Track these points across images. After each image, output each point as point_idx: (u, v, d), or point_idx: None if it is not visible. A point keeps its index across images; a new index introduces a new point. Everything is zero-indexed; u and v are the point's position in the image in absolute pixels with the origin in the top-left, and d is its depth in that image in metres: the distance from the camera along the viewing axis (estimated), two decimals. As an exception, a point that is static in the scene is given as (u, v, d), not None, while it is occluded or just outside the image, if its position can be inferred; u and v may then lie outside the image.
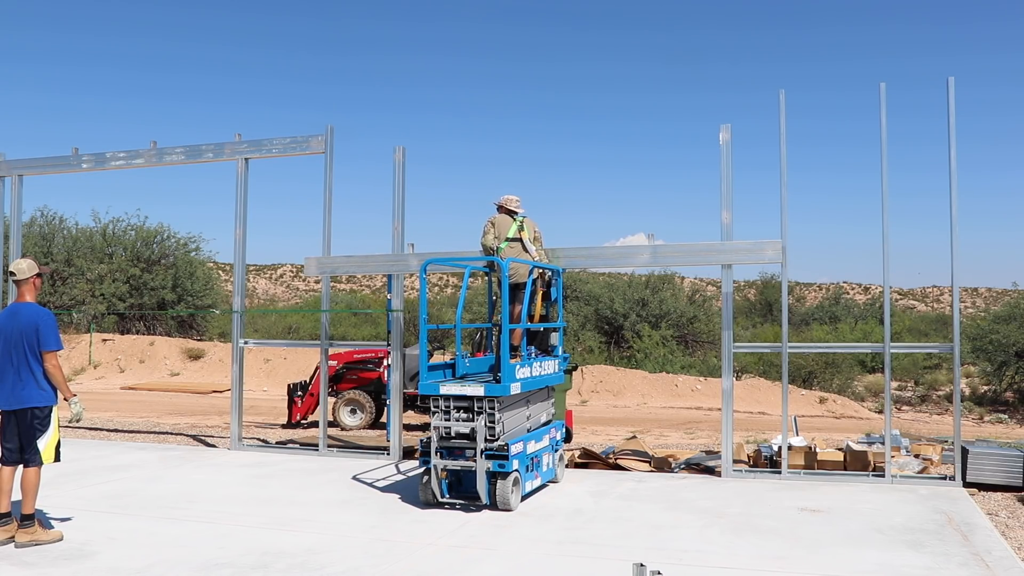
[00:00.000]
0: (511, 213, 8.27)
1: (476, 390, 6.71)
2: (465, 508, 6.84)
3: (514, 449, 6.79)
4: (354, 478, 8.21)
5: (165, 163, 10.73)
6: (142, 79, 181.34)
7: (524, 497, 7.17)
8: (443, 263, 8.37)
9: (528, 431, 7.41)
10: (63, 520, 6.28)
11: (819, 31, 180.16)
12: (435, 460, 6.81)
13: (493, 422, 6.70)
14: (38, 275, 5.89)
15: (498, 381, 6.81)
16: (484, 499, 6.72)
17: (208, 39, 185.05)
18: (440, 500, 6.86)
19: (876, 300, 48.99)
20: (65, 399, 5.74)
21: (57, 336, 5.72)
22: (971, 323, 31.77)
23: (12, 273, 5.84)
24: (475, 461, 6.68)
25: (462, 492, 6.93)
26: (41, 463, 5.67)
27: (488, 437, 6.69)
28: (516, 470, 6.84)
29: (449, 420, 6.80)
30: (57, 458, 5.77)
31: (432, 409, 6.92)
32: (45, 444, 5.67)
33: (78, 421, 5.82)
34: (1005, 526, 6.49)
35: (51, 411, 5.72)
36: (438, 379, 7.10)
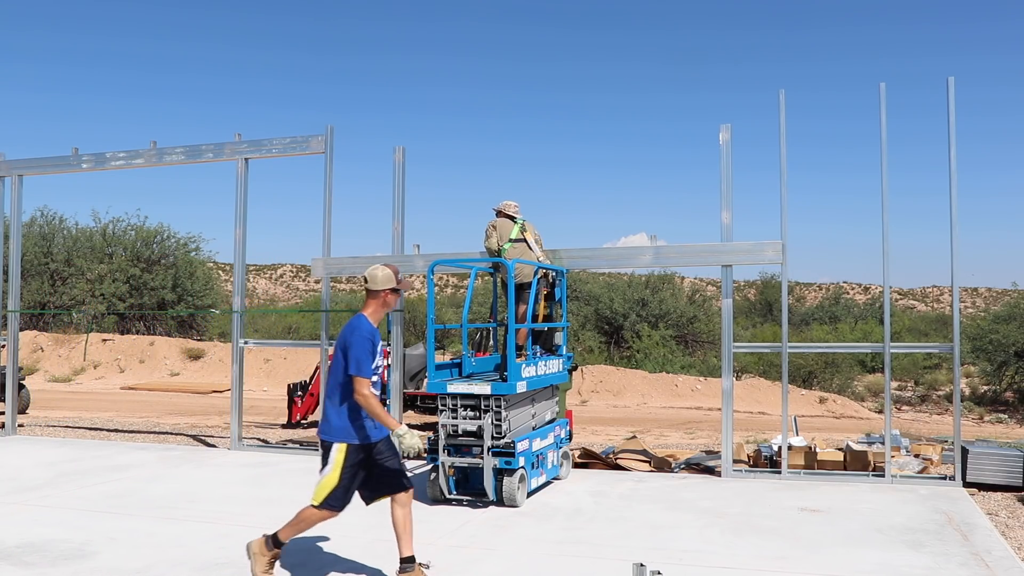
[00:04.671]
0: (510, 218, 8.33)
1: (483, 388, 6.77)
2: (472, 504, 6.86)
3: (520, 447, 6.85)
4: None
5: (165, 163, 10.73)
6: (142, 79, 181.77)
7: (530, 493, 7.21)
8: (450, 264, 8.40)
9: (533, 429, 7.45)
10: (63, 520, 6.28)
11: (819, 31, 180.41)
12: (443, 457, 6.88)
13: (500, 420, 6.75)
14: (392, 290, 4.82)
15: (504, 380, 6.86)
16: (491, 495, 6.77)
17: (208, 39, 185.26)
18: (447, 496, 6.92)
19: (876, 300, 49.02)
20: (391, 431, 4.69)
21: (365, 361, 4.57)
22: (971, 323, 31.80)
23: (365, 279, 4.83)
24: (482, 458, 6.75)
25: (469, 489, 6.99)
26: (313, 504, 4.66)
27: (495, 435, 6.75)
28: (522, 467, 6.90)
29: (456, 418, 6.87)
30: (329, 505, 4.64)
31: (439, 407, 6.97)
32: (317, 482, 4.67)
33: (411, 456, 4.66)
34: (1005, 526, 6.49)
35: (331, 448, 4.63)
36: (445, 378, 7.14)
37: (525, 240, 8.24)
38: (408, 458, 4.52)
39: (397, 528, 4.80)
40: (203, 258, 36.37)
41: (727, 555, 5.44)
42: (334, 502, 4.64)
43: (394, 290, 4.82)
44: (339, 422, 4.64)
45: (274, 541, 4.68)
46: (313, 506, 4.64)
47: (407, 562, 4.75)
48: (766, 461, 8.77)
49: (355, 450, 4.63)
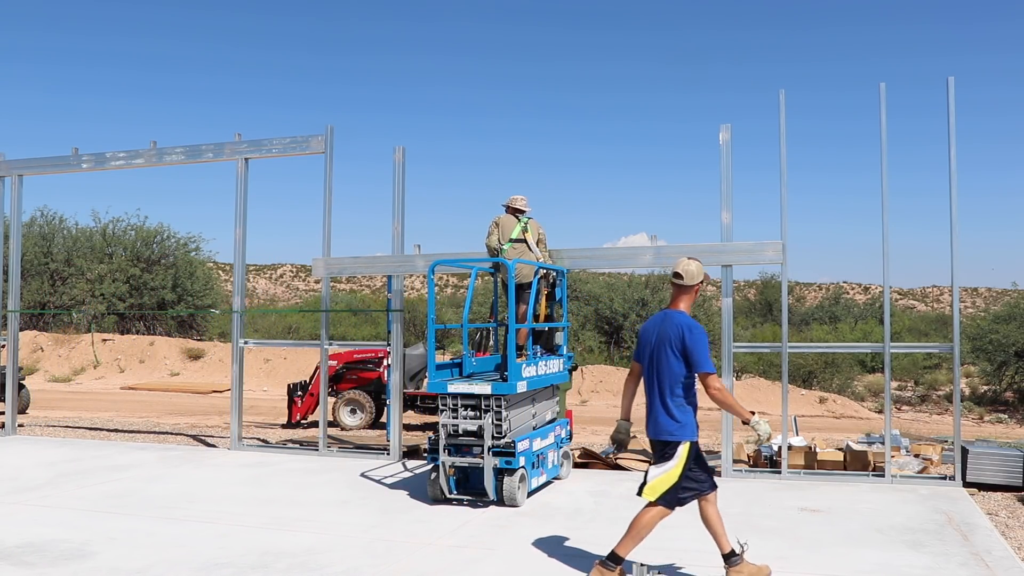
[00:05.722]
0: (517, 213, 8.34)
1: (483, 388, 6.77)
2: (472, 504, 6.87)
3: (520, 446, 6.86)
4: (354, 478, 8.21)
5: (165, 163, 10.73)
6: (142, 79, 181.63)
7: (530, 493, 7.21)
8: (450, 264, 8.41)
9: (534, 428, 7.45)
10: (63, 520, 6.28)
11: (819, 31, 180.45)
12: (443, 457, 6.89)
13: (500, 420, 6.75)
14: (701, 282, 4.92)
15: (504, 380, 6.86)
16: (491, 495, 6.77)
17: (208, 39, 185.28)
18: (448, 496, 6.92)
19: (876, 300, 49.01)
20: (745, 422, 4.68)
21: (709, 358, 4.67)
22: (971, 323, 31.78)
23: (678, 275, 4.87)
24: (482, 458, 6.76)
25: (469, 488, 6.99)
26: (650, 501, 4.71)
27: (495, 434, 6.76)
28: (522, 467, 6.91)
29: (457, 418, 6.87)
30: (666, 503, 4.69)
31: (440, 407, 6.98)
32: (654, 479, 4.68)
33: (765, 441, 4.73)
34: (1005, 526, 6.49)
35: (676, 446, 4.67)
36: (446, 378, 7.14)
37: (525, 241, 8.25)
38: (762, 443, 4.68)
39: (712, 527, 4.80)
40: (203, 258, 36.37)
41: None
42: (671, 498, 4.68)
43: (702, 282, 4.92)
44: (685, 419, 4.69)
45: (613, 559, 4.71)
46: (650, 503, 4.68)
47: (730, 556, 4.75)
48: (766, 461, 8.77)
49: (696, 446, 4.74)
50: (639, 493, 4.74)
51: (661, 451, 4.73)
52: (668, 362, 4.69)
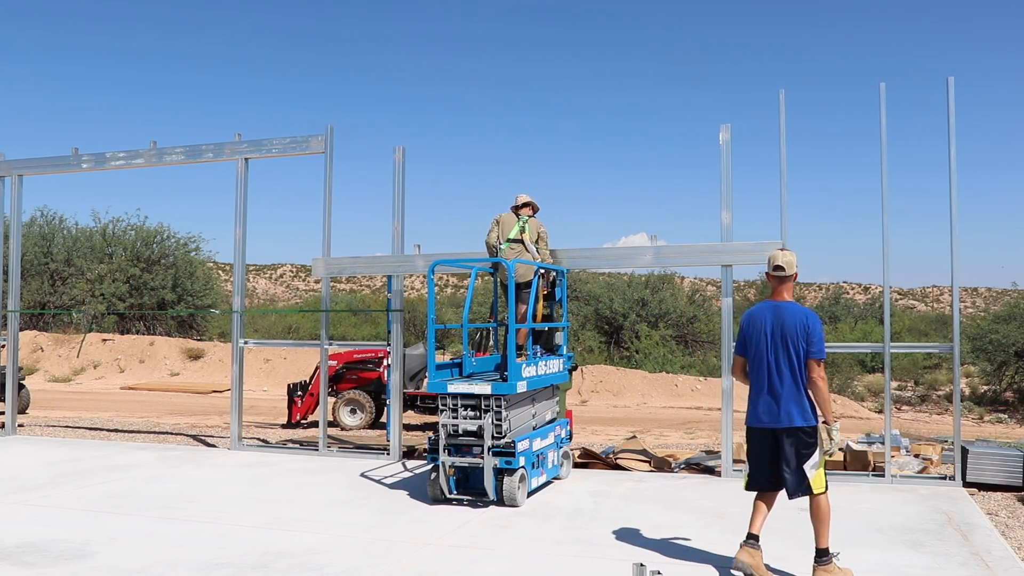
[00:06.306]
0: (519, 211, 8.34)
1: (483, 388, 6.77)
2: (472, 504, 6.87)
3: (520, 446, 6.86)
4: (354, 478, 8.21)
5: (165, 163, 10.73)
6: (142, 79, 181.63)
7: (530, 493, 7.22)
8: (450, 264, 8.41)
9: (534, 428, 7.45)
10: (63, 520, 6.28)
11: (819, 31, 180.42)
12: (443, 457, 6.89)
13: (500, 420, 6.76)
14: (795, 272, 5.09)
15: (504, 380, 6.86)
16: (491, 495, 6.77)
17: (208, 39, 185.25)
18: (448, 496, 6.93)
19: (876, 300, 49.02)
20: (824, 422, 4.85)
21: (824, 344, 4.90)
22: (971, 323, 31.77)
23: (779, 268, 5.01)
24: (482, 458, 6.76)
25: (469, 488, 7.00)
26: (812, 492, 4.88)
27: (495, 435, 6.76)
28: (522, 467, 6.91)
29: (457, 418, 6.87)
30: (827, 485, 4.95)
31: (440, 407, 6.98)
32: (814, 472, 4.86)
33: (829, 455, 4.88)
34: (1005, 526, 6.49)
35: (814, 431, 4.85)
36: (446, 378, 7.14)
37: (523, 241, 8.24)
38: (828, 454, 4.87)
39: (762, 515, 5.03)
40: (203, 258, 36.40)
41: (727, 555, 5.44)
42: (826, 478, 4.94)
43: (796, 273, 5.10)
44: (810, 404, 4.88)
45: (823, 554, 4.87)
46: (819, 494, 4.88)
47: (751, 538, 4.93)
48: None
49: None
50: (803, 493, 4.88)
51: (791, 437, 4.85)
52: (798, 351, 4.85)
